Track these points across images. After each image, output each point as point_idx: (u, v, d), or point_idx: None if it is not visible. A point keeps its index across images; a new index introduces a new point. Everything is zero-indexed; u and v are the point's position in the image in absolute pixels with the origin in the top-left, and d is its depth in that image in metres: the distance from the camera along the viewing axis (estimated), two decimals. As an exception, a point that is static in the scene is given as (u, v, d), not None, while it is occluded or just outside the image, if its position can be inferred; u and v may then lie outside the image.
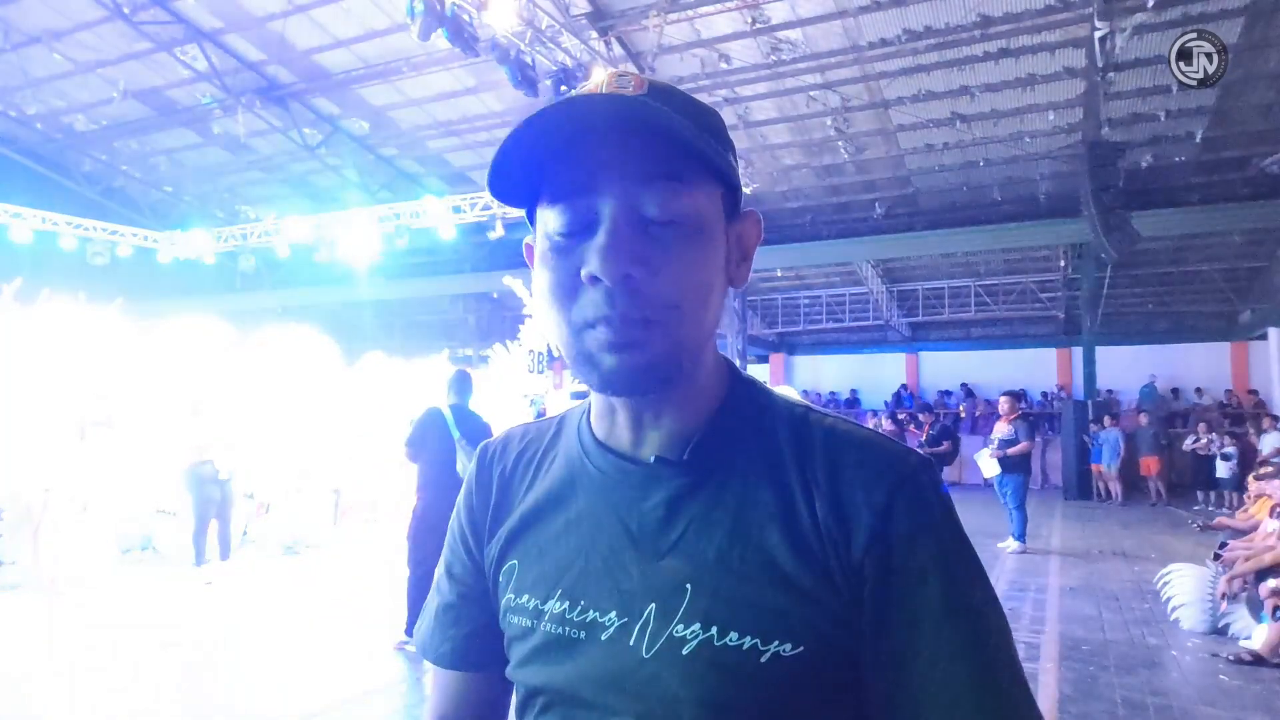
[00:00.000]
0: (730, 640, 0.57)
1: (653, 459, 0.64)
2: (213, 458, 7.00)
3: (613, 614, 0.62)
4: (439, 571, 0.78)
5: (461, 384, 4.98)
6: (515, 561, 0.69)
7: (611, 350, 0.58)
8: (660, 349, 0.58)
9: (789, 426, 0.65)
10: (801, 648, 0.56)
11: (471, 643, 0.73)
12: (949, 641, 0.54)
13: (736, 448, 0.64)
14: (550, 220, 0.60)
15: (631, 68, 10.31)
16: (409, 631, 4.65)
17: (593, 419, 0.70)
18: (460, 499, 0.77)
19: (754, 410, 0.67)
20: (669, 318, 0.58)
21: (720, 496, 0.62)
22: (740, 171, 0.68)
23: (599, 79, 0.63)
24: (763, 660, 0.56)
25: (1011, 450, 8.03)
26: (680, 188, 0.59)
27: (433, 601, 0.78)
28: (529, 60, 8.32)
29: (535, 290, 0.63)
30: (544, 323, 0.63)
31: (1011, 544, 8.06)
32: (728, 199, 0.64)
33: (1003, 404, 8.44)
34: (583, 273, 0.58)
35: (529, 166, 0.60)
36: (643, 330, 0.57)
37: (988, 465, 8.18)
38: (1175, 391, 16.06)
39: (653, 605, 0.60)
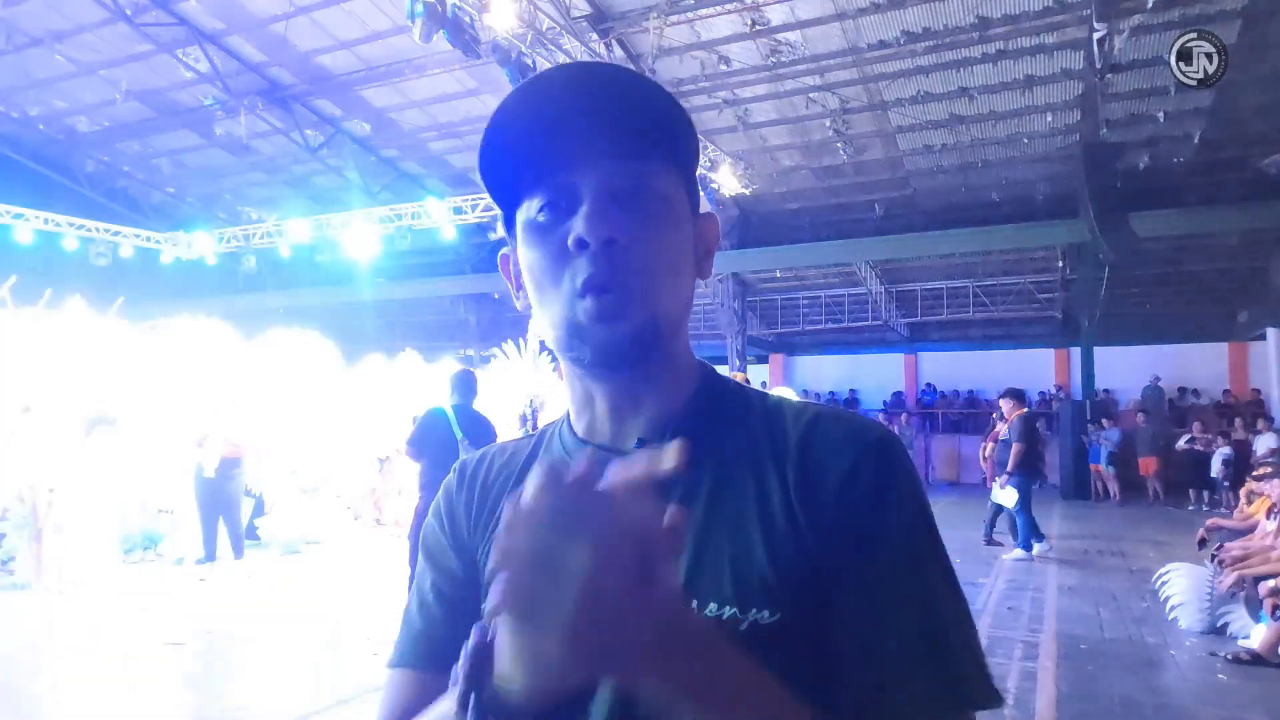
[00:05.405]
0: (710, 611, 0.59)
1: (635, 443, 0.67)
2: (240, 455, 7.14)
3: None
4: (413, 599, 0.72)
5: (465, 384, 4.96)
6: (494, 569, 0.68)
7: (599, 320, 0.61)
8: (640, 318, 0.62)
9: (762, 412, 0.69)
10: (779, 614, 0.58)
11: (438, 643, 0.68)
12: (906, 600, 0.58)
13: (714, 432, 0.68)
14: (533, 204, 0.65)
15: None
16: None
17: (572, 419, 0.72)
18: (430, 519, 0.76)
19: (728, 399, 0.70)
20: (646, 285, 0.62)
21: (700, 476, 0.65)
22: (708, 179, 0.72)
23: None
24: (741, 629, 0.58)
25: (1011, 459, 7.72)
26: (650, 169, 0.64)
27: (404, 621, 0.73)
28: (530, 62, 8.35)
29: (526, 278, 0.67)
30: (537, 304, 0.67)
31: (1015, 551, 7.65)
32: (691, 196, 0.69)
33: (1004, 405, 8.24)
34: (569, 239, 0.61)
35: (516, 148, 0.64)
36: (624, 296, 0.61)
37: (1006, 496, 7.76)
38: (1182, 391, 16.02)
39: None
